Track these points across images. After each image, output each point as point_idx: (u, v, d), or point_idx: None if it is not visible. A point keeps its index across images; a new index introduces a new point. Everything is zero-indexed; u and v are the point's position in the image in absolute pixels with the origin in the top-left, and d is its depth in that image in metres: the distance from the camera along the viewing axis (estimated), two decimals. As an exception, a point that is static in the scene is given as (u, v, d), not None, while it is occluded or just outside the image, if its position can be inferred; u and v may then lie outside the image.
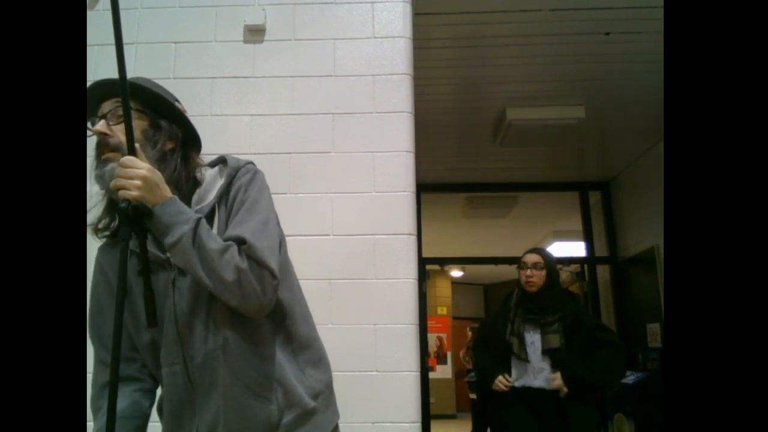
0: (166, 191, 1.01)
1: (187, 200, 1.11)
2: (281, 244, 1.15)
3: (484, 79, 3.38)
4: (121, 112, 1.05)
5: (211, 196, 1.11)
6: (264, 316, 1.08)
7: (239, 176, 1.12)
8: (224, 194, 1.11)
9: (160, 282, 1.08)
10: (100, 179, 1.05)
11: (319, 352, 1.19)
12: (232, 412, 1.04)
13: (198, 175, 1.15)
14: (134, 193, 0.96)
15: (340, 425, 1.20)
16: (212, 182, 1.13)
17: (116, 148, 1.05)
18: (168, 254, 1.04)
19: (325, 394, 1.16)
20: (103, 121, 1.07)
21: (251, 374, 1.06)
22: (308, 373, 1.13)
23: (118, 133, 1.06)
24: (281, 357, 1.10)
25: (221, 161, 1.17)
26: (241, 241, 1.02)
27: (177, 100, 1.19)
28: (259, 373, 1.06)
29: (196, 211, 1.08)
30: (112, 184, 0.98)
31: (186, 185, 1.12)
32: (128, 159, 0.98)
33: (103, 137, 1.06)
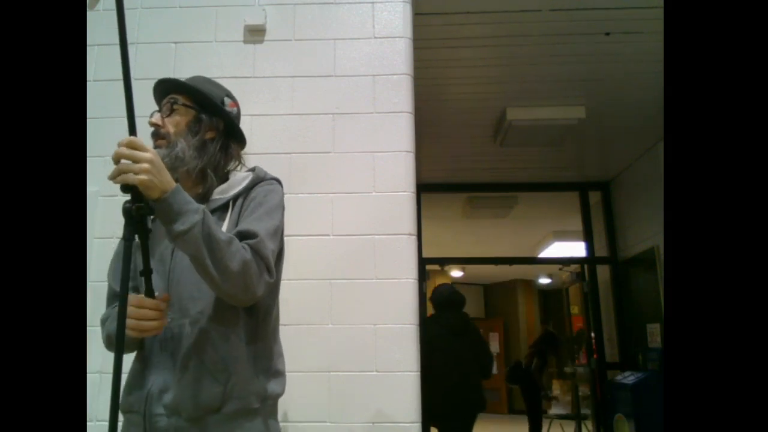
0: (171, 179, 1.03)
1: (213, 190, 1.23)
2: (281, 255, 1.25)
3: (484, 79, 3.38)
4: (174, 107, 1.22)
5: (231, 193, 1.22)
6: (245, 313, 1.16)
7: (262, 184, 1.24)
8: (243, 194, 1.22)
9: (162, 246, 1.18)
10: None
11: (279, 366, 1.24)
12: (181, 383, 1.09)
13: (232, 174, 1.28)
14: (142, 177, 0.96)
15: (341, 425, 1.21)
16: (237, 182, 1.25)
17: (164, 137, 1.20)
18: (174, 242, 1.05)
19: (270, 403, 1.20)
20: (157, 114, 1.23)
21: (209, 352, 1.11)
22: (264, 378, 1.18)
23: (168, 124, 1.21)
24: (245, 353, 1.15)
25: (252, 169, 1.30)
26: (252, 234, 1.10)
27: (229, 95, 1.33)
28: (216, 354, 1.11)
29: (213, 201, 1.21)
30: (115, 169, 0.97)
31: (221, 172, 1.26)
32: (134, 139, 0.99)
33: (155, 127, 1.21)
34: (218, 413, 1.09)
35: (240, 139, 1.35)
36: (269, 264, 1.11)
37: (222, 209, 1.20)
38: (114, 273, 1.26)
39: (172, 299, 1.13)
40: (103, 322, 1.21)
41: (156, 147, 1.18)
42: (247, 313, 1.17)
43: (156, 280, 1.13)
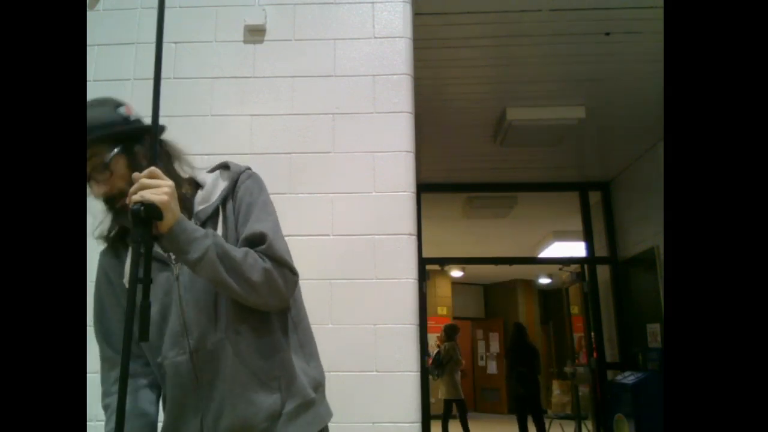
0: (179, 211, 1.02)
1: (189, 201, 1.16)
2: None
3: (484, 79, 3.38)
4: (107, 165, 1.07)
5: (215, 197, 1.16)
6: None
7: (243, 179, 1.18)
8: (228, 196, 1.16)
9: (163, 278, 1.12)
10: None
11: (316, 347, 1.25)
12: (239, 400, 1.08)
13: (200, 178, 1.20)
14: (163, 197, 0.96)
15: (341, 425, 1.21)
16: (214, 185, 1.18)
17: (124, 194, 1.05)
18: (192, 269, 1.04)
19: (322, 387, 1.22)
20: (94, 184, 1.08)
21: (258, 362, 1.10)
22: (312, 365, 1.20)
23: (116, 182, 1.07)
24: (286, 347, 1.15)
25: (221, 166, 1.23)
26: (261, 240, 1.08)
27: (118, 104, 1.14)
28: (265, 361, 1.10)
29: (200, 212, 1.14)
30: (138, 195, 0.96)
31: (183, 186, 1.15)
32: (154, 169, 1.00)
33: (106, 197, 1.08)
34: (281, 416, 1.10)
35: (139, 141, 1.13)
36: (287, 263, 1.10)
37: (212, 217, 1.14)
38: (103, 332, 1.17)
39: (190, 328, 1.09)
40: (106, 408, 1.14)
41: (123, 208, 1.06)
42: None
43: (171, 320, 1.10)
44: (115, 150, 1.07)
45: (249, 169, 1.21)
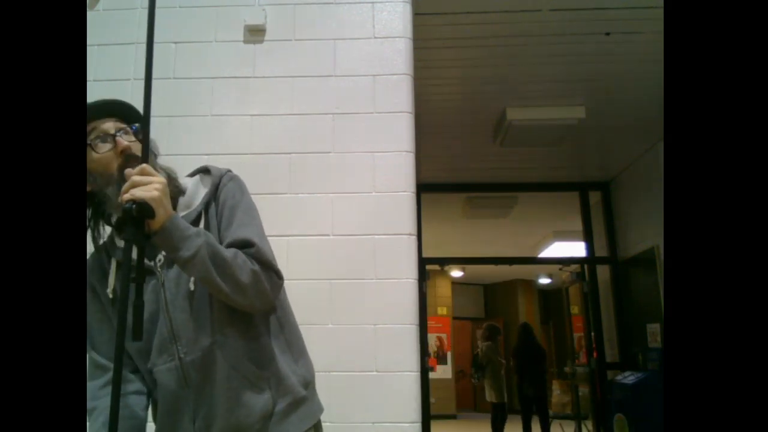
0: (171, 208, 1.02)
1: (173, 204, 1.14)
2: None
3: (484, 79, 3.38)
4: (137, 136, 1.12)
5: (197, 202, 1.15)
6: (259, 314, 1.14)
7: (224, 182, 1.17)
8: (211, 201, 1.16)
9: (149, 287, 1.11)
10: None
11: (304, 345, 1.26)
12: (230, 403, 1.09)
13: (181, 182, 1.19)
14: (154, 194, 0.96)
15: (341, 425, 1.22)
16: (196, 190, 1.18)
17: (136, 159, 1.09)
18: (182, 267, 1.04)
19: (312, 384, 1.23)
20: (126, 137, 1.11)
21: (247, 366, 1.11)
22: (301, 363, 1.20)
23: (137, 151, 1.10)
24: (275, 348, 1.16)
25: (202, 171, 1.22)
26: (248, 243, 1.08)
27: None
28: (255, 364, 1.11)
29: (183, 217, 1.12)
30: (128, 194, 0.95)
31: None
32: (145, 166, 0.99)
33: (128, 150, 1.10)
34: (274, 415, 1.11)
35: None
36: (273, 267, 1.10)
37: (195, 222, 1.14)
38: (90, 339, 1.16)
39: (178, 334, 1.10)
40: (90, 412, 1.13)
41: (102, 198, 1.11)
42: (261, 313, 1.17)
43: (160, 324, 1.10)
44: (135, 127, 1.12)
45: (230, 171, 1.21)
